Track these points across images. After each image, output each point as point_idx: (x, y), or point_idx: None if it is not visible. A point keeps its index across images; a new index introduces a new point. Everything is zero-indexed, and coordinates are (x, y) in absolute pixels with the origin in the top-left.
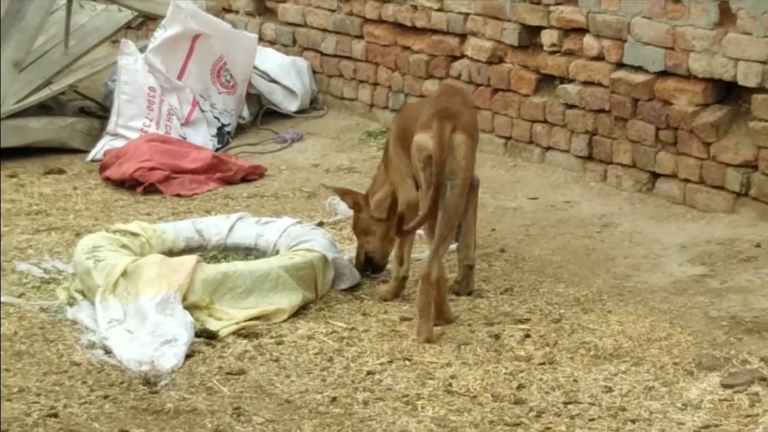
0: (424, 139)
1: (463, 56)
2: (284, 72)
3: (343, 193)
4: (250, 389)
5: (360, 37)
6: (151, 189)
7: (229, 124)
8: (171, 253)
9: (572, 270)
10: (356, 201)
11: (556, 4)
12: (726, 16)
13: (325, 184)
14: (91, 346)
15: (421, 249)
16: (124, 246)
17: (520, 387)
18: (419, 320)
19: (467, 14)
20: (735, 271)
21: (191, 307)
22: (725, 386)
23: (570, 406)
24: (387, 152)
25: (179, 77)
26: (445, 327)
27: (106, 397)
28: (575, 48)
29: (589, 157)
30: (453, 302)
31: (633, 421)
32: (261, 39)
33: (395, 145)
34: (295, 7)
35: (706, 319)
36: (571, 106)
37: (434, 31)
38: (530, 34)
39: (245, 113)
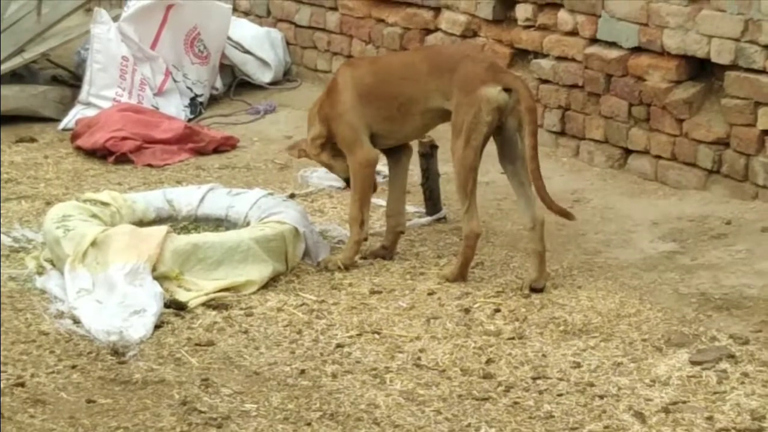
0: (494, 93)
1: (437, 30)
2: (258, 43)
3: (290, 148)
4: (218, 360)
5: (334, 9)
6: (122, 159)
7: (201, 95)
8: (141, 223)
9: None
10: (300, 149)
11: None
12: None
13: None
14: (60, 315)
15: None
16: (94, 215)
17: (489, 361)
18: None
19: None
20: (705, 248)
21: (161, 278)
22: (693, 363)
23: (538, 381)
24: (333, 107)
25: (152, 47)
26: (415, 301)
27: (73, 366)
28: (549, 23)
29: (562, 133)
30: (423, 275)
31: (601, 397)
32: (235, 9)
33: (355, 101)
34: None
35: (675, 296)
36: (545, 81)
37: (409, 4)
38: (505, 8)
39: (218, 84)
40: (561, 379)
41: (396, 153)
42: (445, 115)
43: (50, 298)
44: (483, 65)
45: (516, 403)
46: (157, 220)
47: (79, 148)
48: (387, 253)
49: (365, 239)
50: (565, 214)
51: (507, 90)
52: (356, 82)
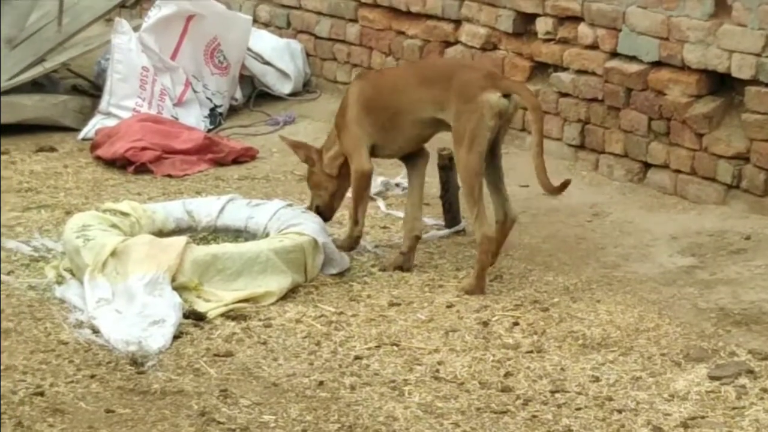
0: (494, 99)
1: (457, 42)
2: (278, 54)
3: (297, 147)
4: (237, 371)
5: (354, 20)
6: (142, 169)
7: (221, 106)
8: (161, 233)
9: (562, 258)
10: (309, 155)
11: None
12: (721, 8)
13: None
14: (79, 325)
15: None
16: (113, 225)
17: (507, 375)
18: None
19: (462, 0)
20: (724, 263)
21: (180, 288)
22: (712, 378)
23: (557, 395)
24: (342, 117)
25: (172, 57)
26: (434, 313)
27: (92, 376)
28: (570, 36)
29: (582, 146)
30: (441, 288)
31: (619, 411)
32: (255, 21)
33: (359, 112)
34: None
35: (694, 311)
36: (565, 95)
37: (429, 17)
38: (525, 22)
39: (238, 95)
40: (579, 393)
41: (412, 159)
42: (439, 125)
43: (69, 308)
44: (481, 72)
45: (534, 416)
46: (177, 231)
47: (98, 158)
48: (405, 260)
49: (359, 236)
50: (563, 187)
51: (506, 96)
52: (361, 94)
